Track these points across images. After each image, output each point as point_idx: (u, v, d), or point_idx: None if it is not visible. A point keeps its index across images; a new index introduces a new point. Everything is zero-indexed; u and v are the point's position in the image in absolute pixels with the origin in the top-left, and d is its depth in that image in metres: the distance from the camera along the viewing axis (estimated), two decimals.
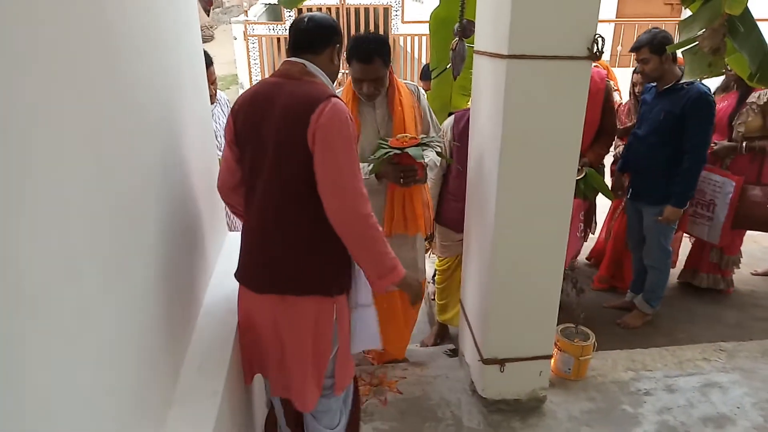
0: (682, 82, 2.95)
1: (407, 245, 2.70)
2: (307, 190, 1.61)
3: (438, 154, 2.59)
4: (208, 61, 2.85)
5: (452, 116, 3.03)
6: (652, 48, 2.96)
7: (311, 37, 1.74)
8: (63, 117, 0.94)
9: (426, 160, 2.42)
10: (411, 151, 2.28)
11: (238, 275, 1.81)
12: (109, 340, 1.08)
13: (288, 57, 1.77)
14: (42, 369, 0.83)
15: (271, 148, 1.64)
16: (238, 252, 1.81)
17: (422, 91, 2.70)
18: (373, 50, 2.33)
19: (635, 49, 3.05)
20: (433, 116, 2.72)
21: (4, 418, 0.73)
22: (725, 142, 3.41)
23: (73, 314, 0.94)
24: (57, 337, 0.88)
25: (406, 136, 2.37)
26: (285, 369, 1.80)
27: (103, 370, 1.05)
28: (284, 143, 1.62)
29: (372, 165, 2.38)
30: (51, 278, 0.87)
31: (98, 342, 1.04)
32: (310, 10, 7.67)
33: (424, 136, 2.55)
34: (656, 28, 3.09)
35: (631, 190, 3.33)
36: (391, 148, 2.32)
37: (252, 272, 1.77)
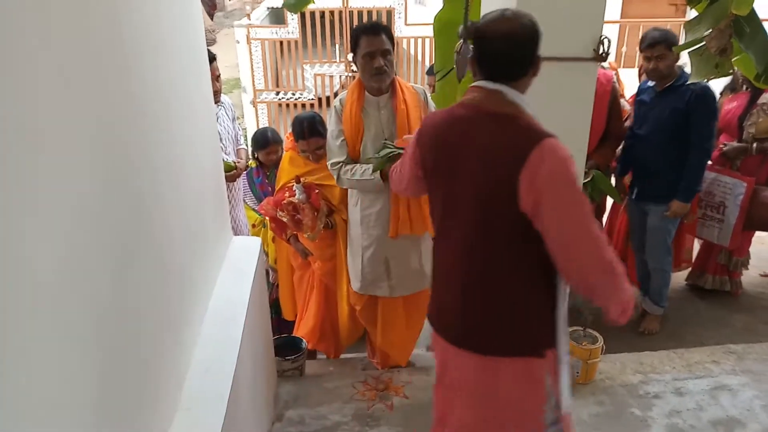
0: (688, 82, 2.94)
1: (415, 249, 2.69)
2: (518, 244, 1.44)
3: None
4: (211, 57, 2.87)
5: None
6: (668, 44, 2.93)
7: (513, 64, 1.43)
8: (71, 119, 0.94)
9: None
10: None
11: (432, 319, 1.65)
12: (115, 343, 1.08)
13: (481, 80, 1.48)
14: (46, 369, 0.83)
15: (468, 196, 1.45)
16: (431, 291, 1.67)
17: (428, 92, 2.70)
18: (377, 25, 2.45)
19: (651, 45, 2.98)
20: None
21: (8, 420, 0.73)
22: (735, 144, 3.38)
23: (78, 316, 0.93)
24: (62, 337, 0.88)
25: (412, 137, 2.36)
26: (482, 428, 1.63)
27: (109, 372, 1.05)
28: (487, 194, 1.42)
29: (377, 162, 2.38)
30: (58, 280, 0.86)
31: (103, 344, 1.03)
32: (313, 13, 7.67)
33: None
34: (656, 28, 3.11)
35: (636, 190, 3.31)
36: (395, 148, 2.32)
37: (447, 322, 1.60)
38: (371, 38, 2.38)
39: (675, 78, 3.02)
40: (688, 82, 2.91)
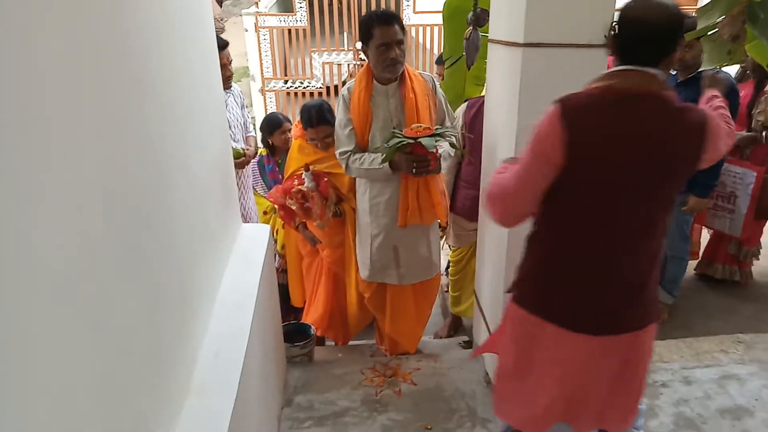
0: (701, 70, 2.89)
1: (424, 237, 2.69)
2: (671, 211, 1.58)
3: (451, 145, 2.58)
4: (222, 44, 2.88)
5: (466, 103, 3.01)
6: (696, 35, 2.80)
7: (660, 48, 1.45)
8: (78, 108, 0.94)
9: (440, 150, 2.40)
10: (424, 141, 2.27)
11: (570, 321, 1.59)
12: (126, 330, 1.09)
13: (625, 64, 1.48)
14: (57, 356, 0.84)
15: (637, 182, 1.46)
16: (542, 293, 1.62)
17: (437, 81, 2.69)
18: (389, 14, 2.41)
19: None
20: (448, 106, 2.71)
21: (21, 400, 0.74)
22: (744, 133, 3.34)
23: (91, 304, 0.94)
24: (75, 327, 0.89)
25: (420, 126, 2.36)
26: (618, 404, 1.70)
27: (120, 359, 1.06)
28: (665, 175, 1.47)
29: (385, 154, 2.37)
30: (69, 270, 0.87)
31: (115, 332, 1.04)
32: (321, 1, 7.63)
33: (439, 126, 2.54)
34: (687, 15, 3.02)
35: None
36: (404, 137, 2.31)
37: (597, 314, 1.57)
38: (385, 29, 2.35)
39: (698, 68, 2.93)
40: (700, 69, 2.87)
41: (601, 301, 1.57)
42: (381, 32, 2.36)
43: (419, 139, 2.28)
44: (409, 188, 2.51)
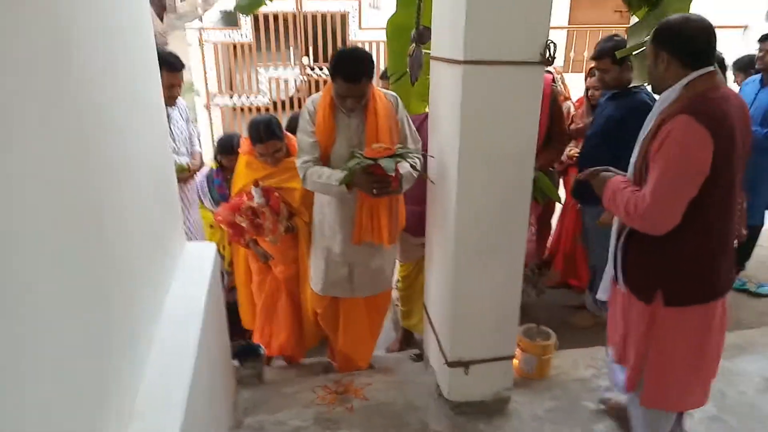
0: (630, 86, 3.00)
1: (377, 252, 2.68)
2: None
3: (413, 167, 2.46)
4: (180, 66, 2.88)
5: None
6: (614, 59, 2.89)
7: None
8: (17, 123, 0.91)
9: (402, 171, 2.36)
10: (383, 162, 2.21)
11: (718, 290, 1.92)
12: (62, 348, 1.05)
13: (695, 70, 1.78)
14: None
15: (739, 167, 1.80)
16: (707, 278, 1.90)
17: (401, 101, 2.63)
18: (361, 71, 2.33)
19: (598, 57, 3.01)
20: (412, 126, 2.64)
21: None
22: None
23: (27, 319, 0.91)
24: (7, 351, 0.86)
25: (381, 146, 2.31)
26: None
27: (59, 382, 1.02)
28: (746, 145, 1.82)
29: (344, 175, 2.31)
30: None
31: (53, 351, 1.00)
32: (266, 16, 7.61)
33: (400, 146, 2.46)
34: (616, 35, 3.12)
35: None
36: (364, 158, 2.26)
37: (723, 277, 1.90)
38: (349, 85, 2.33)
39: (625, 85, 2.98)
40: (631, 85, 2.98)
41: (724, 268, 1.89)
42: (344, 86, 2.33)
43: (378, 161, 2.22)
44: (364, 207, 2.48)
